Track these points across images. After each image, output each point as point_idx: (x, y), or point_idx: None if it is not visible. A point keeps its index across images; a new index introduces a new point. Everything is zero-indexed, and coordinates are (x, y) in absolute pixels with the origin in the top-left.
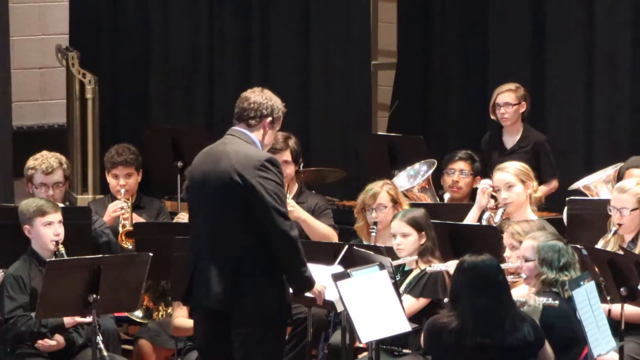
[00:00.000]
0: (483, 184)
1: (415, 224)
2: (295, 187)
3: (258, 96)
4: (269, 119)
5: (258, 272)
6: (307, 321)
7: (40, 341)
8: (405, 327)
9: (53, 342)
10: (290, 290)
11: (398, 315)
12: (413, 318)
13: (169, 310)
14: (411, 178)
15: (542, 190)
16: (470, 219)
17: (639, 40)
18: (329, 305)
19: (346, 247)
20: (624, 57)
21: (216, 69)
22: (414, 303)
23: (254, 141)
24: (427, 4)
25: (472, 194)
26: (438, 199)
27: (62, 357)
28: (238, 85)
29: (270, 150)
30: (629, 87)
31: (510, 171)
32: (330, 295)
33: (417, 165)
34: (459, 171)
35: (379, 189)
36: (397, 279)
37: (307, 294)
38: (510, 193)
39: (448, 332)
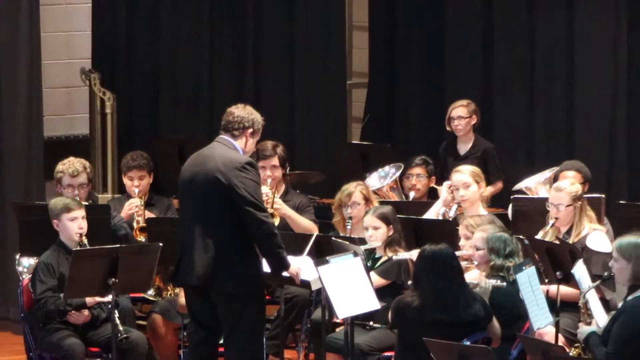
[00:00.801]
0: (447, 183)
1: (384, 219)
2: (282, 188)
3: (241, 111)
4: (250, 130)
5: (235, 254)
6: (292, 300)
7: (70, 314)
8: (376, 305)
9: (81, 315)
10: (268, 270)
11: (369, 295)
12: (379, 297)
13: (177, 290)
14: (381, 179)
15: (489, 190)
16: (434, 212)
17: (573, 65)
18: (307, 284)
19: (313, 236)
20: (560, 78)
21: (216, 88)
22: (377, 279)
23: (236, 148)
24: (394, 33)
25: (430, 192)
26: (404, 197)
27: (85, 331)
28: (234, 102)
29: (260, 156)
30: (564, 103)
31: (467, 172)
32: (307, 276)
33: (386, 168)
34: (415, 175)
35: (353, 189)
36: (369, 264)
37: (284, 274)
38: (467, 191)
39: (411, 309)
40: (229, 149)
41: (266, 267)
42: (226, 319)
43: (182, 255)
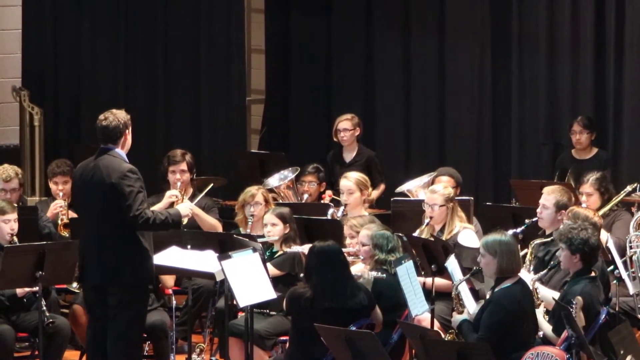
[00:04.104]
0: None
1: (282, 218)
2: (190, 190)
3: (114, 120)
4: (127, 131)
5: (123, 253)
6: (199, 290)
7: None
8: (272, 295)
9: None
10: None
11: (266, 287)
12: (274, 285)
13: None
14: (279, 180)
15: (375, 193)
16: None
17: (444, 85)
18: (211, 276)
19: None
20: (433, 95)
21: (130, 104)
22: (273, 269)
23: (119, 154)
24: (287, 56)
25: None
26: (299, 197)
27: (15, 316)
28: (146, 116)
29: (171, 162)
30: (437, 117)
31: (352, 181)
32: (211, 267)
33: (285, 172)
34: (308, 182)
35: (256, 191)
36: (267, 257)
37: (185, 217)
38: (350, 197)
39: (304, 299)
40: (113, 158)
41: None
42: (114, 306)
43: (84, 257)
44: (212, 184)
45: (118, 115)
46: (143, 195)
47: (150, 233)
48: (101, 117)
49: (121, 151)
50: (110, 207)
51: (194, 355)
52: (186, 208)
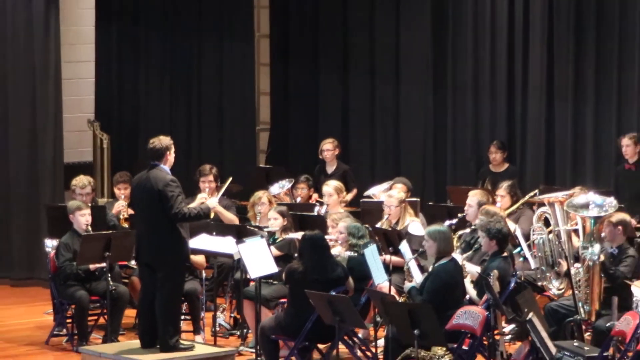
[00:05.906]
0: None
1: (281, 213)
2: (215, 194)
3: (158, 144)
4: (168, 152)
5: (167, 240)
6: (221, 266)
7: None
8: (275, 269)
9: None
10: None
11: (271, 263)
12: (276, 262)
13: None
14: (280, 188)
15: (349, 196)
16: None
17: (398, 115)
18: (230, 256)
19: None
20: (390, 123)
21: (173, 130)
22: (275, 251)
23: (163, 169)
24: (286, 97)
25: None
26: (294, 200)
27: (89, 285)
28: (184, 139)
29: (201, 174)
30: (394, 140)
31: (331, 187)
32: (230, 249)
33: (283, 182)
34: (301, 188)
35: (262, 195)
36: (270, 242)
37: (213, 209)
38: (330, 199)
39: (298, 273)
40: (160, 171)
41: (200, 243)
42: (160, 278)
43: (138, 242)
44: (231, 178)
45: (162, 140)
46: (181, 197)
47: (187, 225)
48: (150, 141)
49: (165, 166)
50: (157, 206)
51: (218, 313)
52: (213, 202)
